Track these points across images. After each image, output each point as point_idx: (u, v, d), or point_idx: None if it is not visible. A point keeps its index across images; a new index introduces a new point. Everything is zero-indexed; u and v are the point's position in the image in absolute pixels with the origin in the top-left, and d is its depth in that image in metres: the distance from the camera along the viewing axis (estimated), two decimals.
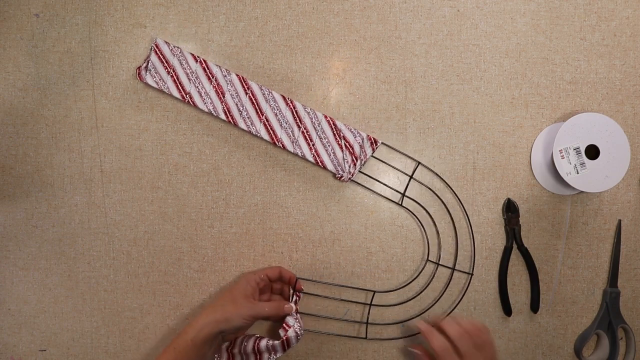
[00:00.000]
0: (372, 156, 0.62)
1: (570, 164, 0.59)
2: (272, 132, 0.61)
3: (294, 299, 0.60)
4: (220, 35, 0.63)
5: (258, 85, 0.61)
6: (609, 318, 0.63)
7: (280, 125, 0.61)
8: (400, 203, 0.62)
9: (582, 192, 0.61)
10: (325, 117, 0.61)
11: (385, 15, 0.62)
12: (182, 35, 0.63)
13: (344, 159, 0.60)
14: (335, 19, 0.63)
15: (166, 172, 0.63)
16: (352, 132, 0.61)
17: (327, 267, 0.63)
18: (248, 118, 0.61)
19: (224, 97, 0.60)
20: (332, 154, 0.61)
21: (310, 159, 0.61)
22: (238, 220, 0.63)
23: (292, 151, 0.61)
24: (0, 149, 0.64)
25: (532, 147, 0.63)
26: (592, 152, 0.60)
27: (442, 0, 0.62)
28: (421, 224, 0.63)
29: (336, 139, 0.61)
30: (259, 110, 0.61)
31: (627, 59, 0.62)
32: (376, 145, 0.62)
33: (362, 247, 0.63)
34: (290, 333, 0.56)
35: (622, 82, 0.62)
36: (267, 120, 0.61)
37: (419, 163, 0.62)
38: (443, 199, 0.63)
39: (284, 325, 0.57)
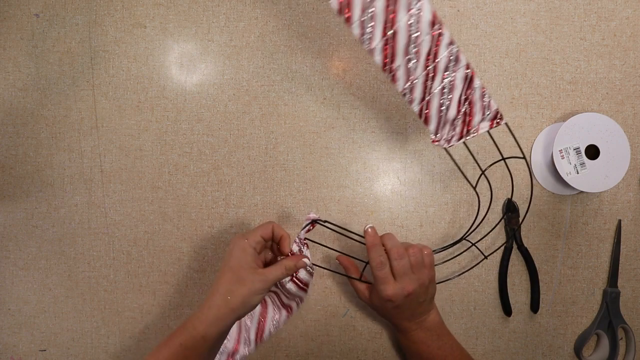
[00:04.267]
0: (487, 132, 0.53)
1: (570, 164, 0.59)
2: (389, 54, 0.45)
3: (304, 249, 0.54)
4: (220, 35, 0.63)
5: None
6: (609, 318, 0.63)
7: (407, 50, 0.45)
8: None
9: (582, 192, 0.61)
10: (468, 66, 0.47)
11: None
12: (182, 35, 0.63)
13: (453, 123, 0.48)
14: (335, 19, 0.63)
15: (166, 172, 0.63)
16: (483, 100, 0.48)
17: (327, 267, 0.63)
18: (370, 26, 0.43)
19: None
20: (444, 111, 0.48)
21: (416, 107, 0.47)
22: (238, 220, 0.63)
23: (400, 89, 0.46)
24: (0, 149, 0.64)
25: (532, 147, 0.63)
26: (592, 152, 0.60)
27: (442, 0, 0.62)
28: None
29: (461, 97, 0.47)
30: (388, 20, 0.43)
31: (627, 59, 0.62)
32: (497, 123, 0.50)
33: (362, 247, 0.63)
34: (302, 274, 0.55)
35: (622, 82, 0.62)
36: (393, 36, 0.44)
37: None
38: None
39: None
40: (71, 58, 0.63)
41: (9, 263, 0.64)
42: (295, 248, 0.54)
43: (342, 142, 0.63)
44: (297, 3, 0.62)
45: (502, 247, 0.63)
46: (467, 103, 0.48)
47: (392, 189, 0.63)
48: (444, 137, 0.50)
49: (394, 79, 0.46)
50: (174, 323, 0.64)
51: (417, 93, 0.47)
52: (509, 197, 0.62)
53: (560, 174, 0.59)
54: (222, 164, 0.63)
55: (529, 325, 0.64)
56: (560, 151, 0.59)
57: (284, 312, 0.60)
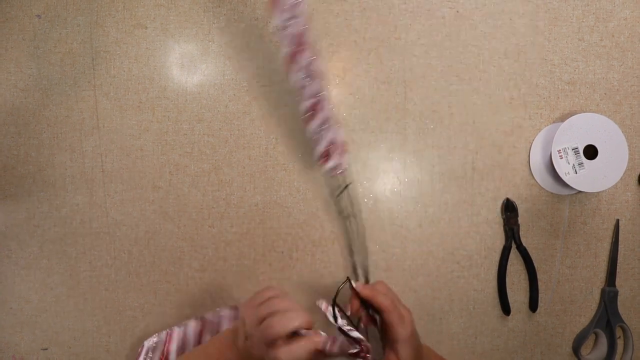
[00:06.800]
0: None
1: (569, 164, 0.60)
2: None
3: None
4: (220, 36, 0.63)
5: None
6: (607, 317, 0.63)
7: None
8: None
9: (580, 192, 0.62)
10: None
11: (385, 16, 0.63)
12: (183, 36, 0.63)
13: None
14: (335, 20, 0.63)
15: (167, 172, 0.64)
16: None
17: (326, 267, 0.63)
18: None
19: None
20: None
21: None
22: (238, 220, 0.64)
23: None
24: (2, 149, 0.64)
25: (530, 147, 0.63)
26: (591, 152, 0.60)
27: (442, 1, 0.63)
28: None
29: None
30: None
31: (625, 60, 0.63)
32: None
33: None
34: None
35: (620, 83, 0.63)
36: None
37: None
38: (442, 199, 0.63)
39: None
40: (73, 59, 0.63)
41: (10, 262, 0.65)
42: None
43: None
44: None
45: (501, 247, 0.63)
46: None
47: (392, 189, 0.64)
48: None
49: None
50: (175, 323, 0.64)
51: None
52: (507, 197, 0.63)
53: (559, 174, 0.59)
54: (222, 164, 0.64)
55: (528, 324, 0.64)
56: (559, 151, 0.60)
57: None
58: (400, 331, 0.49)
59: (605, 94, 0.63)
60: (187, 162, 0.64)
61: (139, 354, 0.60)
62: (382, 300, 0.50)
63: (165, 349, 0.59)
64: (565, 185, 0.60)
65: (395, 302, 0.50)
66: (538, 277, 0.63)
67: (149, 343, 0.60)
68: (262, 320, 0.44)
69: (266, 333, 0.43)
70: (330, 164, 0.55)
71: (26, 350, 0.65)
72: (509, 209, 0.62)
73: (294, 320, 0.43)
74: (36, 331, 0.65)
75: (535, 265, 0.63)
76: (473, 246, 0.63)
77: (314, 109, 0.54)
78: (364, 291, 0.51)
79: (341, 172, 0.56)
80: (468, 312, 0.64)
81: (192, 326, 0.60)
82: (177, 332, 0.60)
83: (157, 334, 0.61)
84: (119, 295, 0.64)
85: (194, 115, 0.63)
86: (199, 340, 0.60)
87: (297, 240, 0.64)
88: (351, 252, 0.62)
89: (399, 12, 0.63)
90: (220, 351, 0.50)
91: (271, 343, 0.43)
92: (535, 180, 0.63)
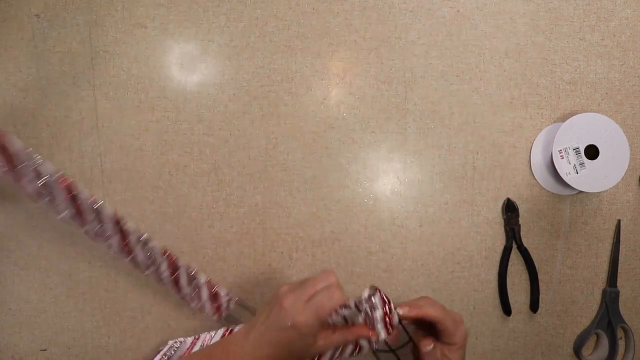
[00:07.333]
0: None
1: (570, 164, 0.59)
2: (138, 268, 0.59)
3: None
4: (220, 35, 0.63)
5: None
6: (609, 318, 0.63)
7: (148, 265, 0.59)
8: None
9: (581, 192, 0.62)
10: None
11: (385, 15, 0.63)
12: (183, 36, 0.63)
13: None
14: (335, 20, 0.63)
15: (166, 172, 0.64)
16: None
17: (326, 267, 0.63)
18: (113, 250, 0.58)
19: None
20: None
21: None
22: (238, 220, 0.64)
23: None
24: None
25: (531, 147, 0.63)
26: (592, 152, 0.60)
27: (442, 0, 0.62)
28: None
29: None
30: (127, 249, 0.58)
31: (626, 59, 0.63)
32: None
33: (362, 247, 0.63)
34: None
35: (621, 82, 0.63)
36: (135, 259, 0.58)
37: None
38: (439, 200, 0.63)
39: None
40: (72, 58, 0.63)
41: (9, 262, 0.64)
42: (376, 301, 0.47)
43: (342, 142, 0.63)
44: (297, 3, 0.63)
45: (502, 247, 0.63)
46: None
47: (392, 189, 0.63)
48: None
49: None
50: (175, 323, 0.64)
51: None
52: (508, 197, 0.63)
53: (560, 174, 0.59)
54: (222, 164, 0.63)
55: (529, 325, 0.64)
56: (560, 151, 0.59)
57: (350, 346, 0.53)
58: (458, 336, 0.49)
59: (606, 93, 0.63)
60: (186, 162, 0.64)
61: (158, 352, 0.60)
62: (432, 312, 0.49)
63: (187, 352, 0.59)
64: (566, 185, 0.60)
65: (445, 309, 0.50)
66: (539, 277, 0.63)
67: (172, 342, 0.61)
68: (309, 299, 0.45)
69: (320, 308, 0.44)
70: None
71: (25, 351, 0.65)
72: (510, 209, 0.62)
73: (339, 292, 0.45)
74: (35, 332, 0.65)
75: (536, 265, 0.63)
76: (473, 246, 0.63)
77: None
78: (412, 311, 0.49)
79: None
80: (468, 313, 0.63)
81: (220, 334, 0.60)
82: (202, 338, 0.60)
83: (184, 338, 0.61)
84: (118, 295, 0.64)
85: (193, 115, 0.63)
86: None
87: (297, 240, 0.63)
88: None
89: (399, 11, 0.63)
90: (225, 350, 0.49)
91: (322, 324, 0.45)
92: (536, 180, 0.63)
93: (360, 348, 0.51)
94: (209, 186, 0.64)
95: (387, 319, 0.47)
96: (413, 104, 0.63)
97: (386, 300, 0.47)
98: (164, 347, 0.61)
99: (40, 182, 0.52)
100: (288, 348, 0.46)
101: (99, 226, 0.55)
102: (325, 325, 0.47)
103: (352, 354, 0.52)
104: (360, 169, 0.63)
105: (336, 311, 0.45)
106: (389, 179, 0.63)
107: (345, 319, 0.47)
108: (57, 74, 0.63)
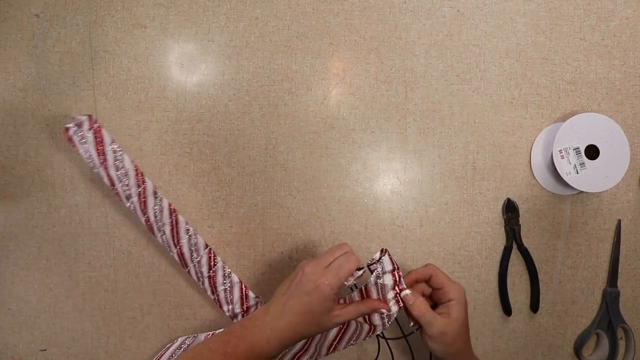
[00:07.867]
0: None
1: (570, 164, 0.59)
2: (182, 260, 0.61)
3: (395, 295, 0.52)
4: (220, 35, 0.63)
5: (185, 224, 0.61)
6: (609, 318, 0.63)
7: (192, 258, 0.61)
8: None
9: (581, 192, 0.62)
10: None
11: (385, 15, 0.63)
12: (183, 36, 0.63)
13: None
14: (335, 19, 0.63)
15: (166, 172, 0.64)
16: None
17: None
18: (164, 238, 0.60)
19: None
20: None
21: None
22: (238, 220, 0.64)
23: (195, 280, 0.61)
24: (0, 149, 0.64)
25: (531, 147, 0.63)
26: (592, 152, 0.60)
27: (442, 0, 0.62)
28: None
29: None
30: (176, 239, 0.60)
31: (626, 59, 0.62)
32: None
33: (362, 247, 0.63)
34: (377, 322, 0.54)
35: (621, 82, 0.62)
36: (181, 250, 0.61)
37: None
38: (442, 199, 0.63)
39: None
40: (71, 58, 0.63)
41: (9, 263, 0.64)
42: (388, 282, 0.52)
43: (342, 142, 0.63)
44: (297, 3, 0.63)
45: (502, 247, 0.63)
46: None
47: (392, 189, 0.63)
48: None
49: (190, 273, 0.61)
50: (175, 323, 0.64)
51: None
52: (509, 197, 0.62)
53: (560, 174, 0.59)
54: (222, 164, 0.63)
55: (529, 325, 0.64)
56: (560, 151, 0.59)
57: (366, 327, 0.57)
58: (454, 290, 0.53)
59: (606, 93, 0.63)
60: (186, 162, 0.63)
61: (167, 348, 0.61)
62: (427, 269, 0.54)
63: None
64: (566, 185, 0.60)
65: (440, 270, 0.54)
66: (539, 277, 0.63)
67: (184, 338, 0.62)
68: (328, 265, 0.50)
69: (340, 269, 0.49)
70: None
71: (25, 352, 0.65)
72: (510, 209, 0.62)
73: (355, 257, 0.51)
74: (35, 332, 0.65)
75: (537, 265, 0.62)
76: (474, 246, 0.63)
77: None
78: (412, 275, 0.54)
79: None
80: (469, 313, 0.63)
81: None
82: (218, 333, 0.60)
83: (197, 334, 0.62)
84: (118, 295, 0.64)
85: (193, 115, 0.63)
86: None
87: (297, 240, 0.63)
88: None
89: (399, 11, 0.63)
90: (244, 325, 0.51)
91: (341, 286, 0.49)
92: (536, 180, 0.63)
93: (375, 328, 0.54)
94: (208, 186, 0.64)
95: (397, 289, 0.52)
96: (413, 104, 0.63)
97: (395, 266, 0.52)
98: (172, 344, 0.62)
99: (119, 172, 0.59)
100: (308, 315, 0.49)
101: (160, 214, 0.60)
102: (341, 297, 0.52)
103: (368, 334, 0.56)
104: (360, 169, 0.63)
105: (352, 274, 0.50)
106: (389, 179, 0.63)
107: (357, 287, 0.53)
108: (57, 73, 0.63)
